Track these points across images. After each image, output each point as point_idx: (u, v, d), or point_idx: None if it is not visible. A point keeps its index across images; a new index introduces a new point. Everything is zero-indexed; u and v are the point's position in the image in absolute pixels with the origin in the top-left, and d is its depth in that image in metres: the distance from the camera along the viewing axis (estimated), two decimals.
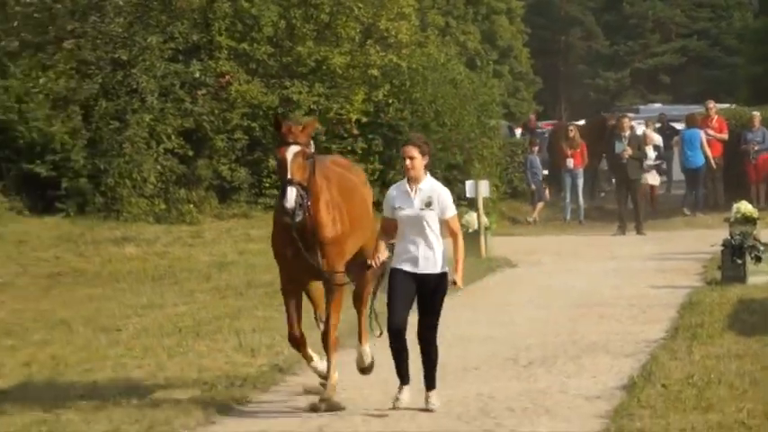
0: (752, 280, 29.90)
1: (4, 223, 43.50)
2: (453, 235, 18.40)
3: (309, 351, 19.94)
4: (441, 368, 22.30)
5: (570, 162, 51.06)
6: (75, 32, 49.40)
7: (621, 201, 46.53)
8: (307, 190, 18.17)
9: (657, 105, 65.98)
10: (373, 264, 18.53)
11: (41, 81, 47.67)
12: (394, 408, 18.23)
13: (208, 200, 46.46)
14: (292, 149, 18.12)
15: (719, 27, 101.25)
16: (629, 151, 46.29)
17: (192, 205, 47.00)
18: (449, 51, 60.64)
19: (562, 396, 19.60)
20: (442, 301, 18.53)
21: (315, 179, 18.66)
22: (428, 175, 18.26)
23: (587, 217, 49.91)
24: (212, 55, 49.50)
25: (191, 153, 47.96)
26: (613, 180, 50.25)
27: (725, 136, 51.91)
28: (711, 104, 55.73)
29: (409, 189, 17.89)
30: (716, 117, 53.61)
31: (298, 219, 17.93)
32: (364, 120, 50.54)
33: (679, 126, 56.81)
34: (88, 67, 48.54)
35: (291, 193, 17.72)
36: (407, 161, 17.86)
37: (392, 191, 18.36)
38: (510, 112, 64.38)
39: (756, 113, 52.39)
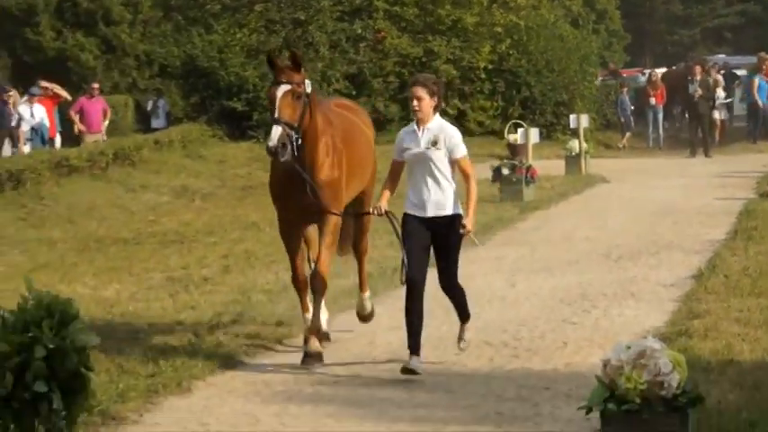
0: None
1: (208, 147, 44.80)
2: (465, 177, 14.72)
3: (308, 300, 16.10)
4: (548, 261, 22.22)
5: (652, 100, 50.67)
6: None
7: (693, 131, 46.01)
8: (296, 129, 14.88)
9: (721, 56, 64.91)
10: (373, 212, 15.30)
11: (237, 36, 48.08)
12: (403, 372, 13.90)
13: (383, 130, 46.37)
14: (282, 88, 14.87)
15: None
16: (699, 92, 45.90)
17: None
18: (557, 13, 60.18)
19: (644, 284, 19.56)
20: (458, 245, 14.66)
21: (314, 120, 15.40)
22: (437, 115, 14.67)
23: (665, 144, 49.34)
24: (371, 15, 49.42)
25: (354, 93, 47.91)
26: (686, 114, 49.51)
27: None
28: (764, 55, 55.14)
29: (417, 129, 14.45)
30: (766, 66, 53.03)
31: (283, 158, 14.68)
32: (490, 67, 50.28)
33: (739, 72, 56.09)
34: (274, 25, 48.72)
35: (276, 131, 14.57)
36: (414, 102, 14.33)
37: (401, 132, 15.02)
38: (604, 62, 63.44)
39: None
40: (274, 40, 48.48)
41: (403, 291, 14.77)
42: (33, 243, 24.84)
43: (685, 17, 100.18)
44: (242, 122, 45.34)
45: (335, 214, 15.54)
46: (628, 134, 51.15)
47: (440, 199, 14.31)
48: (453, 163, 14.39)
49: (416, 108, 14.26)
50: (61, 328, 6.75)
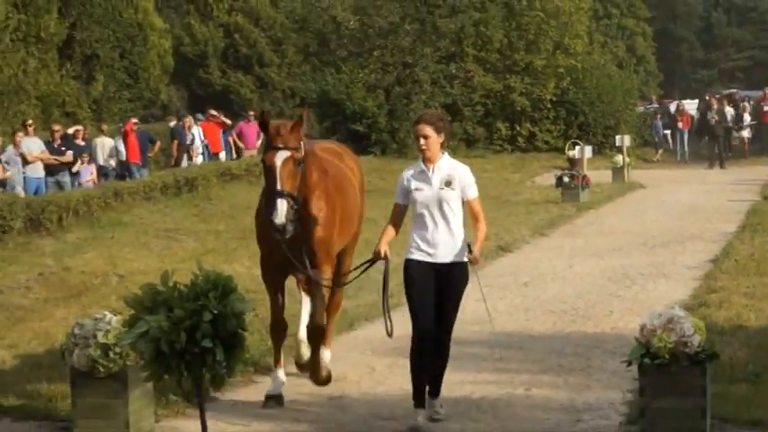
0: None
1: None
2: (476, 217, 10.87)
3: (282, 355, 11.86)
4: (598, 248, 22.13)
5: (680, 124, 50.52)
6: (380, 45, 49.37)
7: (711, 149, 45.76)
8: (297, 200, 10.94)
9: (734, 90, 64.17)
10: (375, 258, 10.90)
11: (360, 75, 47.92)
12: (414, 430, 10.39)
13: (459, 147, 45.98)
14: (281, 155, 10.77)
15: None
16: (716, 118, 45.74)
17: (450, 150, 46.85)
18: (606, 57, 60.06)
19: (673, 266, 19.50)
20: (461, 296, 10.81)
21: (310, 178, 11.44)
22: (445, 154, 10.86)
23: (690, 158, 49.00)
24: (462, 59, 49.24)
25: (449, 118, 47.76)
26: (706, 136, 49.16)
27: None
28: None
29: (426, 169, 10.58)
30: None
31: (288, 235, 10.75)
32: (554, 99, 50.07)
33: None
34: (388, 66, 48.59)
35: (282, 206, 10.59)
36: (421, 140, 10.61)
37: (406, 173, 10.84)
38: (643, 95, 63.00)
39: None
40: (388, 78, 48.49)
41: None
42: (203, 233, 24.97)
43: (705, 60, 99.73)
44: (363, 141, 45.07)
45: (325, 285, 11.69)
46: (660, 150, 50.90)
47: (452, 243, 10.49)
48: (464, 203, 10.60)
49: (424, 147, 10.56)
50: (223, 298, 6.80)
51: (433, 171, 10.54)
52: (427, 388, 10.55)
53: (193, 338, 6.67)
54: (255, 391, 12.15)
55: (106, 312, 10.99)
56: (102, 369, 10.54)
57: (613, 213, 29.02)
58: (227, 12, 57.07)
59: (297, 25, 55.29)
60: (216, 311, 6.71)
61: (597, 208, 29.92)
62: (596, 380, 12.00)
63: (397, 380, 11.17)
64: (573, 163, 33.23)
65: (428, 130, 10.53)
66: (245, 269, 17.48)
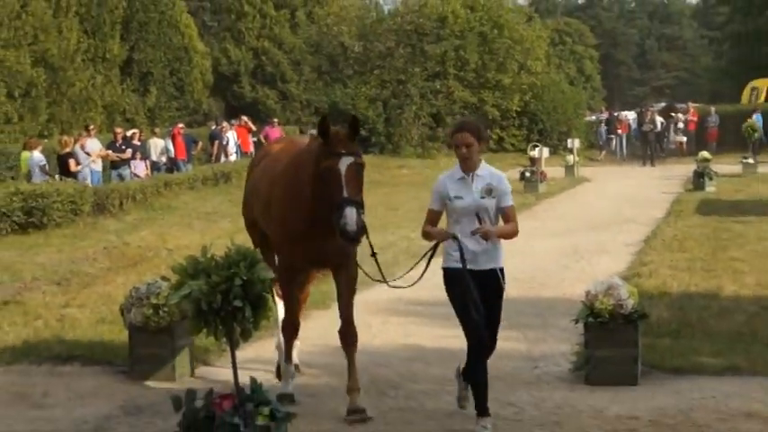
0: (707, 189, 29.25)
1: None
2: (507, 221, 8.58)
3: (295, 353, 10.00)
4: (553, 230, 22.10)
5: (619, 131, 50.50)
6: (379, 66, 49.38)
7: (644, 150, 45.59)
8: (362, 205, 8.52)
9: (663, 104, 64.10)
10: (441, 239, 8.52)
11: (362, 90, 47.91)
12: None
13: (442, 149, 45.96)
14: (345, 161, 8.41)
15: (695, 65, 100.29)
16: (648, 126, 45.63)
17: (435, 150, 46.99)
18: (560, 77, 60.00)
19: (613, 244, 19.53)
20: (502, 300, 8.63)
21: None
22: (482, 160, 8.67)
23: (627, 158, 48.92)
24: (445, 77, 49.13)
25: (434, 125, 47.78)
26: (639, 140, 49.15)
27: (695, 118, 50.71)
28: (690, 104, 54.78)
29: (466, 176, 8.39)
30: (692, 110, 52.64)
31: (355, 243, 8.56)
32: (519, 109, 50.13)
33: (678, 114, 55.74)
34: (385, 83, 48.57)
35: (352, 213, 8.19)
36: (463, 149, 8.36)
37: (444, 180, 8.54)
38: (590, 107, 63.05)
39: (713, 107, 50.98)
40: (385, 92, 48.53)
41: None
42: (235, 216, 24.75)
43: (640, 79, 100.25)
44: (364, 143, 44.59)
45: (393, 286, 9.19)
46: (604, 152, 50.87)
47: (492, 250, 8.37)
48: (499, 210, 8.43)
49: (466, 156, 8.34)
50: (251, 267, 6.80)
51: (473, 179, 8.33)
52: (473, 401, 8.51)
53: (227, 299, 6.68)
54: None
55: (157, 278, 11.04)
56: (153, 324, 10.59)
57: (565, 202, 29.02)
58: (255, 38, 57.02)
59: (312, 49, 55.20)
60: (245, 278, 6.72)
61: (552, 197, 29.89)
62: (550, 335, 12.03)
63: (390, 335, 11.17)
64: (533, 161, 33.28)
65: (470, 138, 8.32)
66: None
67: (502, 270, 8.36)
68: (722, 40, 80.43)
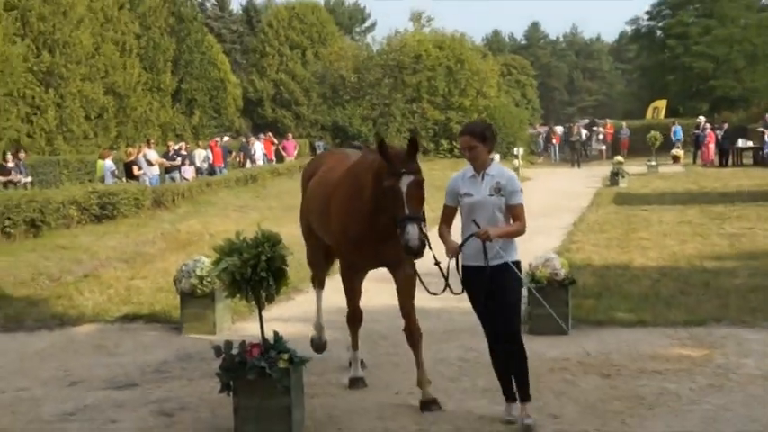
0: (621, 185, 29.31)
1: None
2: (515, 221, 7.10)
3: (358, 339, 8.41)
4: None
5: (554, 141, 50.62)
6: (369, 93, 49.37)
7: (572, 156, 45.59)
8: (424, 220, 7.13)
9: (586, 120, 64.08)
10: (450, 257, 7.01)
11: (357, 111, 47.89)
12: (508, 422, 7.04)
13: (419, 156, 46.19)
14: (406, 180, 6.98)
15: (608, 91, 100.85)
16: (575, 137, 45.68)
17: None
18: (508, 100, 60.07)
19: (549, 228, 19.39)
20: (518, 292, 7.10)
21: None
22: (494, 160, 7.31)
23: (559, 162, 48.94)
24: (420, 101, 49.16)
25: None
26: (568, 148, 49.26)
27: (611, 131, 50.85)
28: (607, 120, 54.83)
29: (476, 174, 6.98)
30: (609, 125, 52.72)
31: (419, 257, 7.07)
32: None
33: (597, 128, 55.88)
34: (374, 106, 48.62)
35: (414, 230, 6.82)
36: (467, 152, 7.04)
37: (457, 178, 7.22)
38: (531, 124, 62.99)
39: (624, 123, 51.22)
40: (374, 113, 48.61)
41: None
42: (261, 208, 24.94)
43: (569, 101, 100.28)
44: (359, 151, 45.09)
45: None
46: (541, 157, 50.91)
47: (501, 246, 6.84)
48: (507, 209, 6.98)
49: (470, 157, 6.97)
50: (273, 246, 6.80)
51: (482, 177, 6.92)
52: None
53: (255, 271, 6.68)
54: (293, 304, 12.19)
55: (201, 256, 11.04)
56: (198, 291, 10.61)
57: None
58: (275, 71, 56.97)
59: (318, 80, 55.10)
60: (269, 255, 6.71)
61: None
62: None
63: (383, 297, 11.19)
64: None
65: (473, 141, 6.91)
66: (286, 230, 17.56)
67: (516, 263, 6.89)
68: (632, 71, 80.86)
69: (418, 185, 7.02)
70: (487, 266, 6.75)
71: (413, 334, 7.63)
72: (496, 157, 35.19)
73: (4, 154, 24.26)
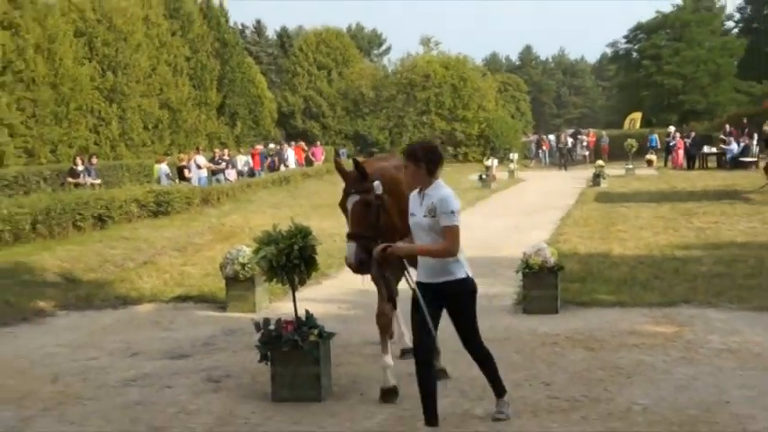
0: (602, 186, 29.18)
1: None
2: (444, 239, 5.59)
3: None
4: (502, 213, 21.98)
5: (544, 147, 50.33)
6: (386, 106, 49.20)
7: (560, 160, 45.40)
8: (373, 237, 6.06)
9: (572, 130, 63.75)
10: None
11: (375, 122, 47.81)
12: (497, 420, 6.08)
13: None
14: (351, 200, 6.27)
15: (594, 104, 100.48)
16: (563, 144, 45.50)
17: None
18: (504, 112, 59.79)
19: (540, 222, 19.43)
20: (468, 306, 5.73)
21: (392, 211, 6.39)
22: (437, 181, 5.68)
23: (549, 166, 48.78)
24: (429, 113, 49.00)
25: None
26: (557, 153, 49.10)
27: (594, 139, 50.60)
28: (590, 130, 54.47)
29: (418, 195, 5.70)
30: (591, 133, 52.46)
31: (365, 273, 6.29)
32: (477, 134, 49.89)
33: (581, 136, 55.61)
34: (390, 117, 48.43)
35: (350, 248, 6.15)
36: (404, 170, 5.80)
37: (410, 195, 5.83)
38: (524, 133, 62.72)
39: (604, 132, 50.91)
40: (390, 123, 48.58)
41: None
42: (294, 206, 24.96)
43: (558, 114, 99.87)
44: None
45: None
46: (533, 161, 50.69)
47: (443, 264, 5.62)
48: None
49: (405, 177, 5.83)
50: (305, 237, 6.77)
51: (423, 198, 5.69)
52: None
53: (289, 259, 6.66)
54: (322, 288, 12.18)
55: (243, 246, 11.05)
56: (241, 276, 10.62)
57: (508, 195, 28.87)
58: (305, 89, 56.92)
59: (342, 96, 55.12)
60: (301, 245, 6.69)
61: (500, 192, 29.77)
62: (499, 281, 11.95)
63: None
64: (487, 168, 33.21)
65: (406, 161, 5.71)
66: (315, 224, 17.59)
67: (460, 281, 5.68)
68: (611, 87, 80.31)
69: (360, 204, 6.20)
70: (432, 284, 5.65)
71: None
72: (495, 161, 35.19)
73: (75, 159, 24.40)
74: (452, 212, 5.60)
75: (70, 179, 23.23)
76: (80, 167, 23.62)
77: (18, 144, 28.54)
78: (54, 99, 30.48)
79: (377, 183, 6.04)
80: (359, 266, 6.14)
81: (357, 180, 6.30)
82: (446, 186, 5.74)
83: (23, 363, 8.55)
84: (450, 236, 5.62)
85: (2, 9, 28.30)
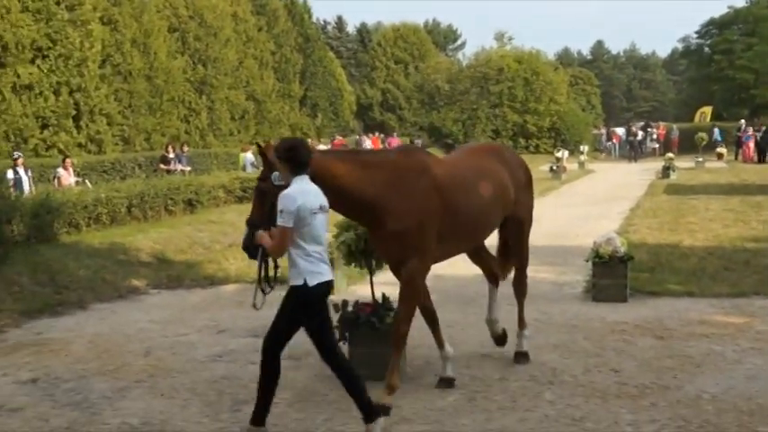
0: (671, 178, 28.46)
1: None
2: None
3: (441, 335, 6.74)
4: (571, 202, 21.62)
5: (614, 139, 49.40)
6: (460, 99, 48.88)
7: (631, 152, 44.46)
8: (261, 226, 5.25)
9: (642, 122, 62.28)
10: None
11: (450, 114, 47.35)
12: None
13: None
14: (257, 187, 5.52)
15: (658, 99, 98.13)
16: (634, 135, 44.59)
17: None
18: (575, 105, 58.85)
19: (610, 212, 19.07)
20: (284, 312, 5.47)
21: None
22: (296, 178, 5.09)
23: (619, 158, 47.81)
24: (501, 106, 48.40)
25: (494, 137, 47.07)
26: (627, 146, 48.07)
27: (663, 132, 49.43)
28: (660, 123, 53.19)
29: None
30: (661, 126, 51.23)
31: (251, 258, 5.53)
32: (548, 126, 49.21)
33: (651, 129, 54.37)
34: (464, 110, 48.08)
35: (244, 234, 5.43)
36: None
37: None
38: (595, 125, 61.67)
39: (674, 125, 49.82)
40: (463, 116, 48.15)
41: None
42: None
43: (627, 107, 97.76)
44: (450, 149, 44.76)
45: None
46: (604, 153, 49.79)
47: (290, 267, 5.35)
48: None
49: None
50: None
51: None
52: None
53: (367, 244, 6.68)
54: None
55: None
56: None
57: (579, 186, 28.33)
58: (383, 82, 57.11)
59: (418, 89, 55.05)
60: None
61: (570, 183, 29.26)
62: (570, 270, 11.79)
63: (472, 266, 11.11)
64: (558, 160, 32.72)
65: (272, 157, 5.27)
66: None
67: (293, 288, 5.33)
68: (682, 82, 78.35)
69: (257, 192, 5.48)
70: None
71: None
72: (566, 152, 34.62)
73: (167, 147, 24.88)
74: (281, 212, 5.06)
75: (162, 166, 23.71)
76: (171, 155, 24.08)
77: (115, 132, 29.28)
78: (149, 90, 31.16)
79: (275, 174, 5.33)
80: (244, 251, 5.58)
81: (265, 168, 5.55)
82: (300, 184, 5.14)
83: (118, 337, 8.77)
84: (277, 235, 5.15)
85: (102, 6, 29.02)
